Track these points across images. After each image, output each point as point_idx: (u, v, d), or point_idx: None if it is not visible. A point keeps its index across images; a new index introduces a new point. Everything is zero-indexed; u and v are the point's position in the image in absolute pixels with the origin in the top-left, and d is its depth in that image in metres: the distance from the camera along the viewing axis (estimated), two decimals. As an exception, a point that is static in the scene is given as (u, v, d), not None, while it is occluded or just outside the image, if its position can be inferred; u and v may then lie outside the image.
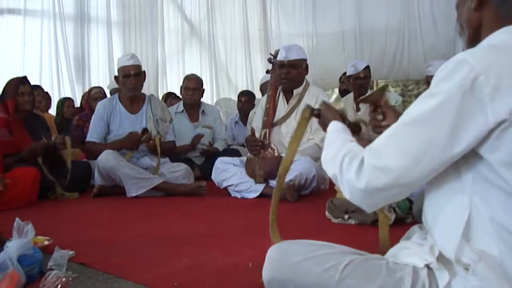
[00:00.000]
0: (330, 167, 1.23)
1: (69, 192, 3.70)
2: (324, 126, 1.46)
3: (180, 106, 4.88)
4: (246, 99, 5.67)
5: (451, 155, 1.04)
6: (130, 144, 3.84)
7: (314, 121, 3.79)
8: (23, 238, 1.75)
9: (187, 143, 4.72)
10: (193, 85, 4.77)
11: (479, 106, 1.00)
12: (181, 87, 4.94)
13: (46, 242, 2.20)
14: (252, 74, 8.71)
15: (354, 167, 1.12)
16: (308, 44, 8.12)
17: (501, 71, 1.01)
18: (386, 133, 1.12)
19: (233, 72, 8.63)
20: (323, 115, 1.51)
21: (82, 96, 5.92)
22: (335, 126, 1.38)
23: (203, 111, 4.89)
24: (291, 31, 8.56)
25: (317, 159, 3.62)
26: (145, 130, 3.84)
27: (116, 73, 4.04)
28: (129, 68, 3.87)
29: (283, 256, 1.25)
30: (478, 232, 1.05)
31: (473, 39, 1.19)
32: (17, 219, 1.81)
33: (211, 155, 4.59)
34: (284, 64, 3.66)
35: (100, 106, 4.01)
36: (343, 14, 7.81)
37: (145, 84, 6.86)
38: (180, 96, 5.15)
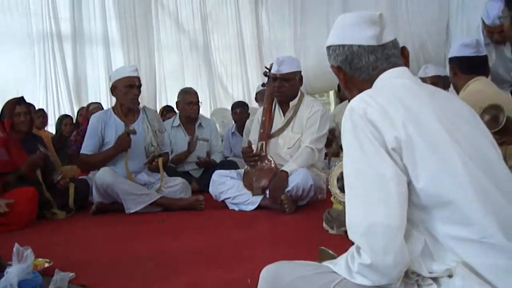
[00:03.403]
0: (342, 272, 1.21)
1: (61, 211, 3.69)
2: None
3: (176, 120, 4.91)
4: (240, 110, 5.69)
5: (404, 177, 1.10)
6: (122, 146, 3.85)
7: (296, 122, 3.79)
8: (23, 263, 1.77)
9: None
10: (195, 99, 4.82)
11: (381, 131, 1.11)
12: (177, 102, 4.93)
13: (46, 265, 2.20)
14: (248, 83, 8.70)
15: (355, 254, 1.14)
16: (296, 50, 8.17)
17: (381, 101, 1.15)
18: (347, 204, 1.16)
19: (229, 82, 8.65)
20: None
21: (78, 112, 5.96)
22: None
23: (200, 124, 4.93)
24: (279, 37, 8.60)
25: (311, 165, 3.66)
26: (131, 131, 3.85)
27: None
28: (134, 79, 3.90)
29: (276, 276, 1.27)
30: (440, 252, 1.11)
31: None
32: (16, 244, 1.82)
33: (208, 167, 4.62)
34: (277, 77, 3.67)
35: (93, 119, 4.02)
36: (330, 17, 7.81)
37: (144, 97, 6.94)
38: (177, 111, 5.13)
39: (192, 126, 4.90)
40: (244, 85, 8.72)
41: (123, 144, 3.86)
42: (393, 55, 1.29)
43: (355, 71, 1.30)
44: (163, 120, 4.84)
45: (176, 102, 4.98)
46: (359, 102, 1.17)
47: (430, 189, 1.09)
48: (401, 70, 1.28)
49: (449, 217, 1.09)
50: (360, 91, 1.26)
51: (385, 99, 1.16)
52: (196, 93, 4.90)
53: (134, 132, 3.87)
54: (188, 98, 4.80)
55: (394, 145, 1.09)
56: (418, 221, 1.13)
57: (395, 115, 1.12)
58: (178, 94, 4.93)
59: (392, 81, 1.25)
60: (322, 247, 1.66)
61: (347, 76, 1.32)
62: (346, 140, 1.16)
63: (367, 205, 1.10)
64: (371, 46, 1.27)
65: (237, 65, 8.73)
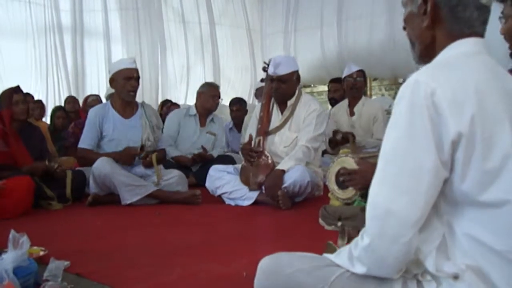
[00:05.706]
0: (344, 262, 1.18)
1: (59, 203, 3.69)
2: None
3: (192, 109, 4.97)
4: (237, 108, 5.72)
5: (444, 173, 1.05)
6: (126, 159, 3.85)
7: (294, 121, 3.82)
8: (18, 250, 1.76)
9: (191, 147, 4.81)
10: (219, 93, 5.00)
11: (443, 120, 1.02)
12: (200, 92, 4.95)
13: (41, 253, 2.20)
14: (256, 77, 8.58)
15: (359, 239, 1.11)
16: (288, 43, 8.11)
17: (454, 85, 1.04)
18: (374, 181, 1.09)
19: (235, 76, 8.57)
20: None
21: (65, 100, 5.94)
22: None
23: (212, 118, 5.01)
24: (270, 30, 8.57)
25: (308, 162, 3.66)
26: (142, 147, 3.87)
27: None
28: (132, 71, 3.89)
29: (274, 268, 1.25)
30: (455, 249, 1.07)
31: (425, 55, 1.23)
32: (12, 230, 1.82)
33: (205, 161, 4.63)
34: (274, 79, 3.66)
35: (91, 113, 4.03)
36: (324, 9, 7.69)
37: (146, 91, 6.88)
38: (195, 102, 5.07)
39: (205, 120, 4.98)
40: (252, 79, 8.63)
41: (127, 160, 3.85)
42: (486, 22, 1.17)
43: (450, 18, 1.15)
44: (161, 115, 4.83)
45: (198, 93, 4.99)
46: (431, 78, 1.05)
47: (474, 190, 1.03)
48: (482, 43, 1.16)
49: (481, 218, 1.05)
50: (432, 43, 1.19)
51: (460, 81, 1.05)
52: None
53: (139, 157, 3.89)
54: (214, 91, 4.94)
55: (455, 138, 1.02)
56: (443, 211, 1.09)
57: (466, 106, 1.02)
58: (202, 86, 5.04)
59: (476, 58, 1.13)
60: (330, 242, 1.66)
61: (438, 17, 1.17)
62: (398, 113, 1.07)
63: (393, 190, 1.05)
64: (482, 2, 1.14)
65: (243, 58, 8.65)
